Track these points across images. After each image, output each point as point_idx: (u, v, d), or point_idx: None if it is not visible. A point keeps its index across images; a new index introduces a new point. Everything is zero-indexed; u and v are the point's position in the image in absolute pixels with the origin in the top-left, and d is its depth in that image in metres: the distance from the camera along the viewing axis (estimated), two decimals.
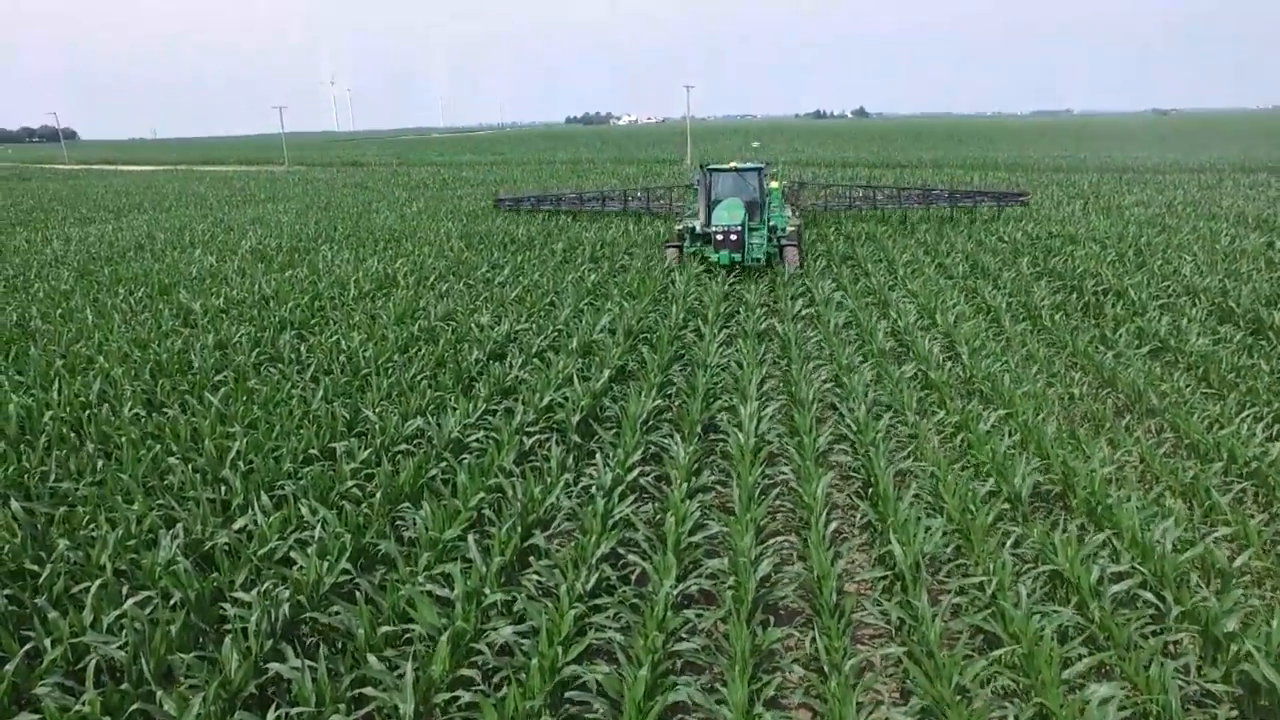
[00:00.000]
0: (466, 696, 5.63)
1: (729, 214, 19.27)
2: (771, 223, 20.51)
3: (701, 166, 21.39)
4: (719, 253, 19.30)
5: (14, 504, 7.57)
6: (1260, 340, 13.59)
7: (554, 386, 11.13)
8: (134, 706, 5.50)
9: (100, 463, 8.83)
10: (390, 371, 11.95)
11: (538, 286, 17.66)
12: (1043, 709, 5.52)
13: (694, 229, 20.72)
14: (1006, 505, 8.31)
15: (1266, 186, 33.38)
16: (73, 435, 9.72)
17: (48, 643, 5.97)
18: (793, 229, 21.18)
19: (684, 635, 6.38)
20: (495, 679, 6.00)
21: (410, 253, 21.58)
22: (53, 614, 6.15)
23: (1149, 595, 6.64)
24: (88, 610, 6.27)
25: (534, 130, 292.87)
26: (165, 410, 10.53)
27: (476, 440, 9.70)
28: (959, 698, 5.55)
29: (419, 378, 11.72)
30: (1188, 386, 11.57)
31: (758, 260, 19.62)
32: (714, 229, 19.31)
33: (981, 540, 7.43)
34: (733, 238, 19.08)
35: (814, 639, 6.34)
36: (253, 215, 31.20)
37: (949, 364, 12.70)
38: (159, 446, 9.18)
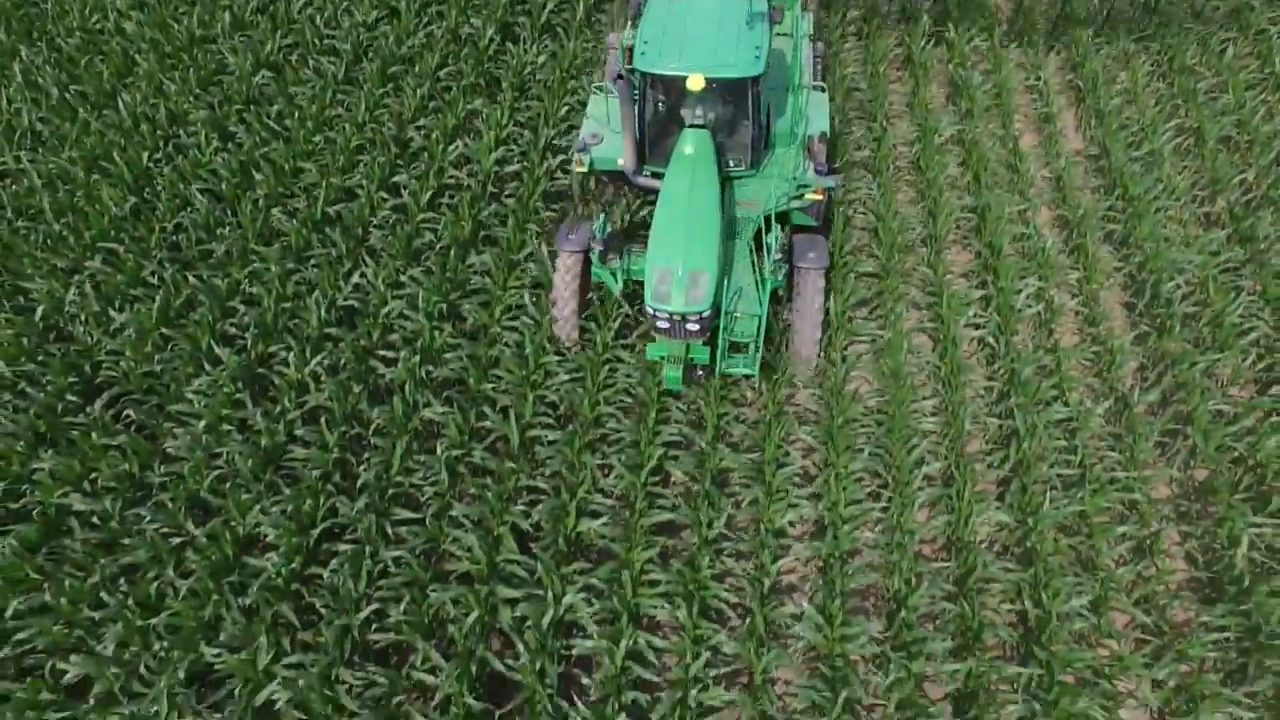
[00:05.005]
0: None
1: (684, 256, 7.94)
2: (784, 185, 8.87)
3: (620, 75, 8.09)
4: (663, 346, 8.44)
5: None
6: None
7: None
8: None
9: None
10: None
11: None
12: None
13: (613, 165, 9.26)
14: None
15: None
16: None
17: None
18: (819, 195, 8.90)
19: None
20: None
21: None
22: None
23: None
24: None
25: None
26: None
27: None
28: None
29: None
30: None
31: (743, 360, 8.50)
32: (651, 311, 8.09)
33: None
34: (691, 325, 8.09)
35: None
36: None
37: None
38: None
